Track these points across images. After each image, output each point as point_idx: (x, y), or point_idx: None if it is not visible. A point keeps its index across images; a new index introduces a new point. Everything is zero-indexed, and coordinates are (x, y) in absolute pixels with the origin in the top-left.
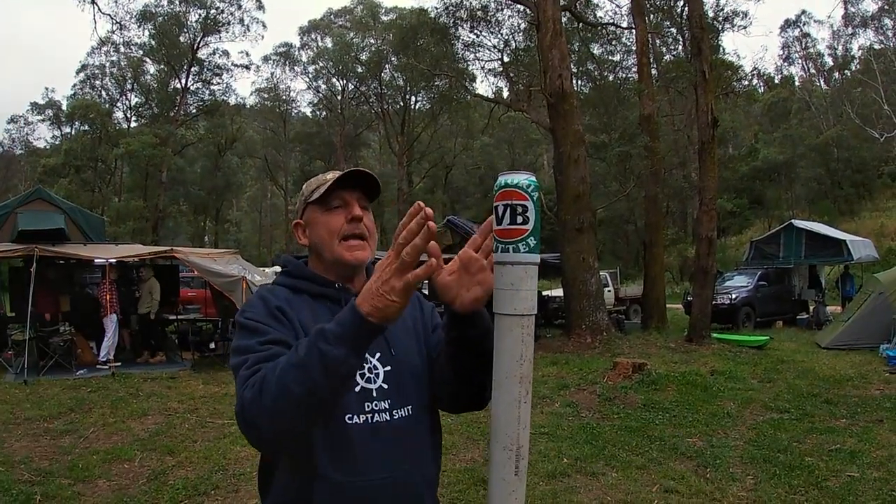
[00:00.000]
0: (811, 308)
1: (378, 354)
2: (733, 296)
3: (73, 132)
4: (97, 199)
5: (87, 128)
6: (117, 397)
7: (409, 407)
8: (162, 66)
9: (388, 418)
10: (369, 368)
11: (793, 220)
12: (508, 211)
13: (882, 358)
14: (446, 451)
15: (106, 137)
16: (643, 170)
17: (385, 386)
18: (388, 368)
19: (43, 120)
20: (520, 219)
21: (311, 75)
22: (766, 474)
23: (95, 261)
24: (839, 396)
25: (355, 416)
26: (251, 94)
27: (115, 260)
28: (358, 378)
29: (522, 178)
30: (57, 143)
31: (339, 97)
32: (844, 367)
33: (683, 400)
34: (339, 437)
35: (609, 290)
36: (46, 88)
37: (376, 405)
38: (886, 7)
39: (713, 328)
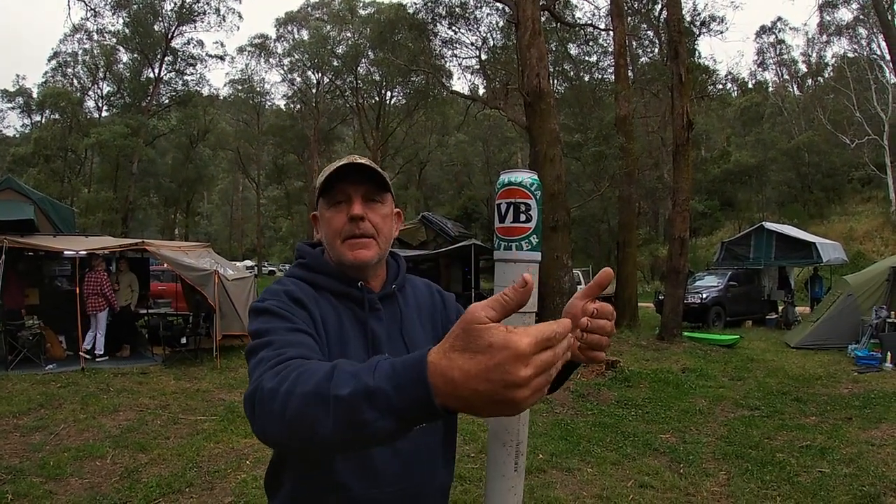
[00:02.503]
0: (780, 308)
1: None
2: (704, 295)
3: (43, 121)
4: (66, 190)
5: (57, 116)
6: (88, 393)
7: None
8: (135, 55)
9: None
10: None
11: (763, 223)
12: (511, 209)
13: (850, 358)
14: None
15: (77, 127)
16: (617, 170)
17: None
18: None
19: (13, 108)
20: (523, 217)
21: (286, 67)
22: (739, 470)
23: (65, 253)
24: (809, 395)
25: None
26: (225, 86)
27: (84, 252)
28: None
29: (526, 177)
30: (27, 131)
31: (314, 90)
32: (813, 366)
33: (656, 397)
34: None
35: (582, 288)
36: (17, 76)
37: None
38: (861, 17)
39: (684, 327)
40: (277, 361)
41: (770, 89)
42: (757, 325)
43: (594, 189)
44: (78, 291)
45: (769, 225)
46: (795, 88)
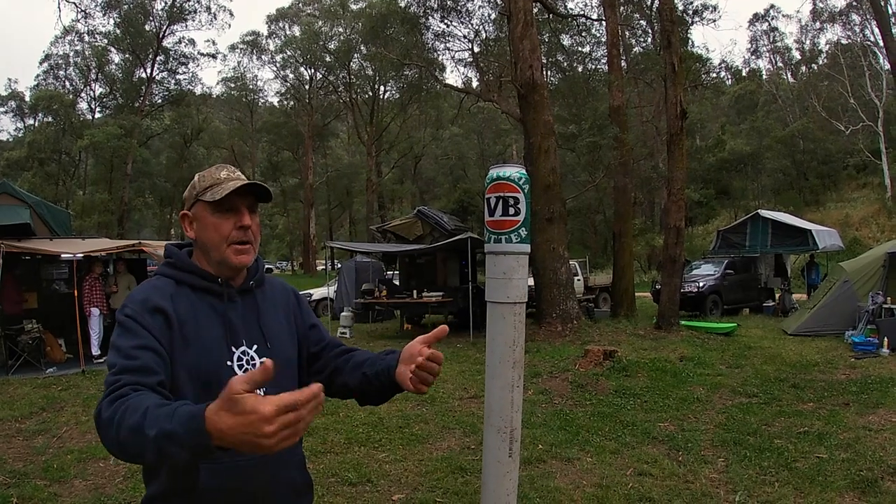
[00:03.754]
0: (777, 296)
1: (255, 346)
2: (701, 284)
3: (36, 124)
4: (61, 193)
5: (50, 119)
6: (89, 395)
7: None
8: (127, 56)
9: None
10: (248, 360)
11: (759, 210)
12: (501, 203)
13: (847, 344)
14: (422, 441)
15: (70, 129)
16: (612, 160)
17: None
18: (265, 359)
19: (6, 112)
20: (512, 210)
21: (278, 64)
22: (737, 456)
23: (62, 256)
24: (806, 381)
25: None
26: (217, 84)
27: (81, 255)
28: (237, 369)
29: (514, 172)
30: (20, 135)
31: (307, 86)
32: (811, 352)
33: (654, 386)
34: None
35: (579, 279)
36: (9, 79)
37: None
38: (854, 3)
39: (681, 316)
40: (114, 390)
41: (764, 77)
42: (754, 312)
43: (589, 180)
44: (76, 294)
45: (765, 213)
46: (789, 76)
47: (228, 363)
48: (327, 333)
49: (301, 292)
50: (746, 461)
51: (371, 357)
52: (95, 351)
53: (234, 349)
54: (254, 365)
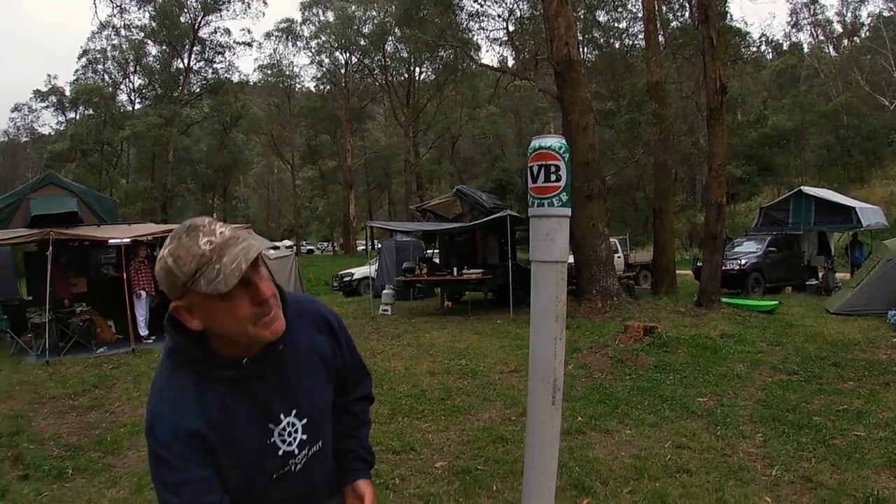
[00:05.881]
0: (820, 274)
1: (294, 411)
2: (743, 261)
3: (77, 117)
4: (105, 182)
5: (91, 112)
6: (139, 372)
7: (321, 442)
8: (163, 47)
9: (307, 460)
10: (289, 432)
11: (802, 187)
12: (543, 170)
13: (890, 324)
14: (464, 412)
15: (111, 120)
16: (651, 136)
17: (304, 437)
18: (305, 421)
19: (47, 106)
20: (553, 177)
21: (313, 50)
22: (775, 432)
23: (110, 241)
24: (847, 360)
25: (279, 471)
26: (254, 71)
27: (128, 240)
28: (279, 443)
29: (554, 141)
30: (62, 128)
31: (342, 71)
32: (852, 331)
33: (694, 361)
34: (266, 490)
35: (619, 257)
36: (49, 75)
37: (298, 458)
38: None
39: (723, 293)
40: None
41: (805, 51)
42: (796, 291)
43: (629, 156)
44: (125, 277)
45: (808, 189)
46: (831, 49)
47: (270, 440)
48: (356, 358)
49: (342, 272)
50: (784, 437)
51: (346, 447)
52: (143, 331)
53: (272, 426)
54: (297, 430)
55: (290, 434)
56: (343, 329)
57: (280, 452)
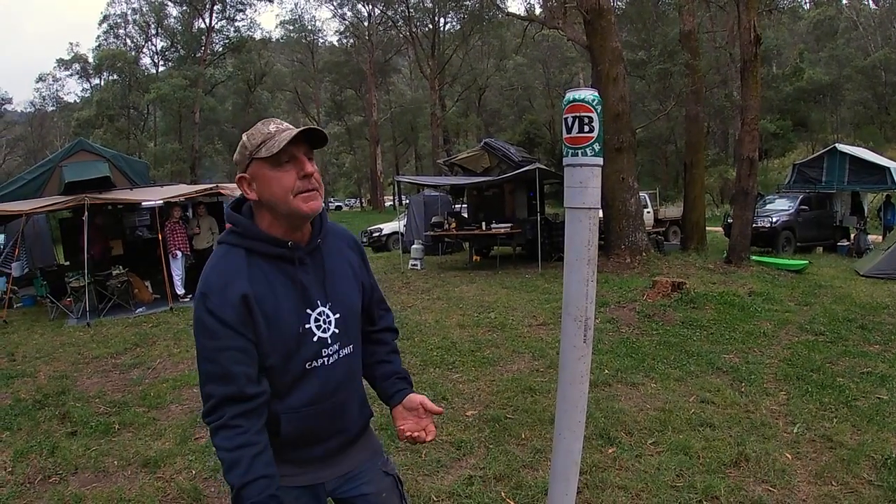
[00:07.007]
0: (852, 235)
1: (329, 304)
2: (774, 219)
3: (102, 83)
4: (133, 146)
5: (115, 77)
6: (178, 329)
7: (352, 345)
8: (184, 7)
9: (338, 357)
10: (324, 319)
11: (836, 145)
12: (577, 122)
13: None
14: (493, 364)
15: (136, 84)
16: (683, 88)
17: (337, 331)
18: (338, 315)
19: (71, 75)
20: (586, 128)
21: (335, 3)
22: (799, 391)
23: (143, 203)
24: (874, 323)
25: (313, 362)
26: (276, 28)
27: (161, 201)
28: (314, 329)
29: (588, 94)
30: (87, 95)
31: (365, 23)
32: (881, 295)
33: (721, 318)
34: (301, 379)
35: (648, 212)
36: (70, 43)
37: (330, 349)
38: None
39: (753, 251)
40: (220, 426)
41: (844, 2)
42: (827, 251)
43: (660, 108)
44: (160, 238)
45: (843, 147)
46: (871, 2)
47: (307, 325)
48: (377, 291)
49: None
50: (807, 396)
51: (385, 371)
52: (180, 290)
53: (309, 312)
54: (329, 323)
55: (325, 321)
56: (367, 261)
57: (315, 339)
